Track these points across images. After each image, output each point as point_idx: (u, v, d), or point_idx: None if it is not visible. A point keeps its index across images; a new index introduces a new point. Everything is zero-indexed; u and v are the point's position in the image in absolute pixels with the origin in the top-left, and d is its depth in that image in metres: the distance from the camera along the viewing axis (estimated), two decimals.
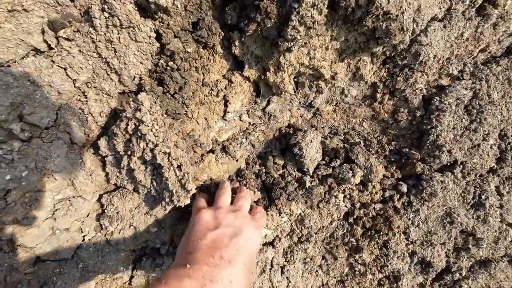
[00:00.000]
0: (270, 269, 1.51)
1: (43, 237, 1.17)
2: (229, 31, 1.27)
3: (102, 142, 1.17)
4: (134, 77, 1.17)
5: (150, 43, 1.12)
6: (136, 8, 1.08)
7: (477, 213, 1.63)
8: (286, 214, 1.51)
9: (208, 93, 1.36)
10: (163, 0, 1.05)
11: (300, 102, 1.62)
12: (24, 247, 1.15)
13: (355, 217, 1.57)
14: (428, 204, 1.56)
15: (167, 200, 1.13)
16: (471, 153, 1.58)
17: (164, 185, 1.13)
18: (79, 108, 1.16)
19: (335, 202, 1.53)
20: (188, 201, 1.12)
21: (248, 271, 0.96)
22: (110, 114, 1.22)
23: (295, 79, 1.51)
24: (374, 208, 1.57)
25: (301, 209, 1.52)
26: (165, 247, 1.33)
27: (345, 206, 1.56)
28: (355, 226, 1.58)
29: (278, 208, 1.49)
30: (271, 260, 1.51)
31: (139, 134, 1.06)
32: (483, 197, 1.61)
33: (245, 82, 1.45)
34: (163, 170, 1.09)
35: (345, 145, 1.59)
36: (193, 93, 1.29)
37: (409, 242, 1.63)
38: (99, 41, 1.08)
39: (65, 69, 1.09)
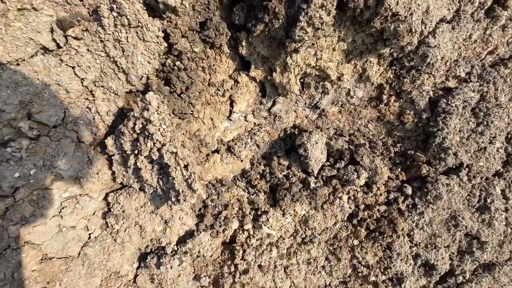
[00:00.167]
0: (274, 269, 1.52)
1: (50, 235, 1.18)
2: (236, 31, 1.27)
3: (109, 141, 1.17)
4: (142, 76, 1.17)
5: (158, 43, 1.13)
6: (145, 8, 1.08)
7: (482, 216, 1.63)
8: (290, 215, 1.51)
9: (214, 93, 1.36)
10: (172, 0, 1.05)
11: (305, 103, 1.61)
12: (31, 244, 1.16)
13: (359, 218, 1.57)
14: (432, 206, 1.55)
15: (173, 199, 1.13)
16: (477, 156, 1.57)
17: (170, 184, 1.13)
18: (86, 107, 1.16)
19: (339, 204, 1.53)
20: (194, 201, 1.12)
21: None
22: (117, 113, 1.23)
23: (301, 80, 1.51)
24: (378, 210, 1.57)
25: (305, 210, 1.52)
26: (171, 246, 1.34)
27: (349, 207, 1.56)
28: (359, 228, 1.57)
29: (282, 208, 1.49)
30: (275, 260, 1.51)
31: (147, 134, 1.06)
32: (488, 200, 1.60)
33: (251, 82, 1.44)
34: (170, 170, 1.09)
35: (350, 146, 1.58)
36: (199, 93, 1.29)
37: (413, 245, 1.62)
38: (107, 40, 1.08)
39: (73, 68, 1.10)
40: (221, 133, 1.48)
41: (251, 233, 1.46)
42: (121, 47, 1.09)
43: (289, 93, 1.47)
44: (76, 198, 1.20)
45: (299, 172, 1.59)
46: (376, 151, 1.62)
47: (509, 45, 1.61)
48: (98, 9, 1.04)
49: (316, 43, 1.26)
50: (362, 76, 1.52)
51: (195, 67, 1.25)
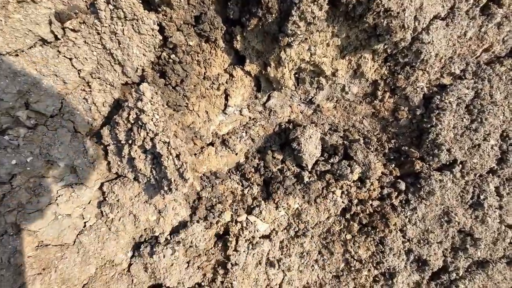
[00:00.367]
0: (266, 262, 1.54)
1: (46, 222, 1.21)
2: (231, 25, 1.29)
3: (105, 131, 1.20)
4: (137, 68, 1.20)
5: (153, 36, 1.15)
6: (140, 1, 1.11)
7: (476, 213, 1.63)
8: (284, 208, 1.53)
9: (209, 86, 1.38)
10: None
11: (300, 98, 1.63)
12: (27, 231, 1.19)
13: (352, 213, 1.58)
14: (425, 202, 1.56)
15: (165, 188, 1.16)
16: (471, 153, 1.58)
17: (163, 173, 1.16)
18: (83, 98, 1.19)
19: (332, 198, 1.54)
20: (186, 190, 1.14)
21: None
22: (113, 105, 1.25)
23: (296, 75, 1.53)
24: (371, 205, 1.58)
25: (298, 203, 1.54)
26: (164, 235, 1.37)
27: (343, 202, 1.57)
28: (352, 222, 1.59)
29: (275, 202, 1.51)
30: (267, 253, 1.53)
31: (140, 124, 1.09)
32: (481, 197, 1.61)
33: (246, 76, 1.46)
34: (162, 159, 1.12)
35: (345, 142, 1.60)
36: (194, 86, 1.31)
37: (406, 240, 1.63)
38: (104, 32, 1.11)
39: (70, 59, 1.12)
40: (216, 127, 1.51)
41: (244, 225, 1.48)
42: (117, 39, 1.12)
43: (283, 87, 1.49)
44: (72, 187, 1.23)
45: (293, 166, 1.61)
46: (370, 146, 1.63)
47: (505, 43, 1.61)
48: (95, 2, 1.07)
49: (310, 38, 1.28)
50: (356, 72, 1.53)
51: (190, 61, 1.27)
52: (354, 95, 1.64)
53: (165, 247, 1.32)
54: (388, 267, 1.63)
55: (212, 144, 1.50)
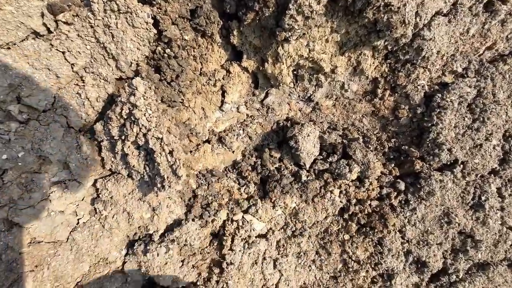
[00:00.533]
0: (263, 261, 1.51)
1: (38, 218, 1.19)
2: (228, 20, 1.26)
3: (98, 127, 1.18)
4: (131, 63, 1.17)
5: (147, 29, 1.13)
6: None
7: (476, 214, 1.60)
8: (280, 207, 1.51)
9: (206, 82, 1.36)
10: None
11: (299, 96, 1.60)
12: (19, 227, 1.17)
13: (350, 213, 1.56)
14: (425, 203, 1.53)
15: (158, 185, 1.14)
16: (472, 152, 1.54)
17: (156, 170, 1.14)
18: (76, 93, 1.17)
19: (330, 197, 1.52)
20: (179, 187, 1.12)
21: None
22: (107, 100, 1.23)
23: (295, 72, 1.50)
24: (370, 205, 1.55)
25: (295, 202, 1.52)
26: (158, 233, 1.35)
27: (341, 201, 1.55)
28: (350, 222, 1.56)
29: (272, 200, 1.49)
30: (264, 252, 1.51)
31: (133, 119, 1.07)
32: (483, 198, 1.58)
33: (244, 73, 1.44)
34: (155, 155, 1.10)
35: (344, 140, 1.57)
36: (190, 81, 1.29)
37: (405, 241, 1.60)
38: (97, 26, 1.09)
39: (63, 53, 1.10)
40: (212, 124, 1.48)
41: (240, 224, 1.45)
42: (111, 32, 1.10)
43: (281, 84, 1.47)
44: (65, 183, 1.21)
45: (291, 165, 1.58)
46: (370, 145, 1.60)
47: (509, 41, 1.57)
48: None
49: (308, 33, 1.25)
50: (356, 69, 1.50)
51: (186, 56, 1.25)
52: (353, 93, 1.61)
53: (159, 245, 1.29)
54: (386, 268, 1.60)
55: (208, 141, 1.48)
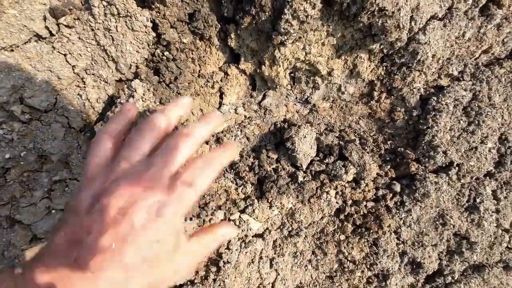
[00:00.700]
0: (259, 261, 1.54)
1: (39, 216, 1.22)
2: (226, 23, 1.29)
3: (98, 127, 1.21)
4: (131, 65, 1.20)
5: (146, 33, 1.16)
6: None
7: (472, 216, 1.61)
8: (277, 208, 1.53)
9: (204, 84, 1.38)
10: None
11: (296, 98, 1.63)
12: (21, 224, 1.21)
13: (346, 214, 1.58)
14: (420, 204, 1.55)
15: None
16: (468, 155, 1.56)
17: None
18: (77, 94, 1.20)
19: (326, 198, 1.54)
20: None
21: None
22: (107, 101, 1.26)
23: (292, 74, 1.52)
24: (365, 206, 1.57)
25: (292, 203, 1.54)
26: None
27: (337, 202, 1.57)
28: (345, 223, 1.58)
29: (269, 201, 1.51)
30: (260, 252, 1.53)
31: None
32: (478, 200, 1.59)
33: (241, 75, 1.47)
34: None
35: (340, 142, 1.59)
36: (188, 83, 1.32)
37: (400, 242, 1.62)
38: (98, 29, 1.12)
39: (65, 55, 1.14)
40: None
41: (237, 223, 1.48)
42: (111, 35, 1.13)
43: (278, 86, 1.49)
44: (65, 182, 1.25)
45: (288, 166, 1.60)
46: (366, 147, 1.62)
47: (505, 45, 1.59)
48: None
49: (304, 36, 1.27)
50: (353, 72, 1.52)
51: (185, 58, 1.28)
52: (350, 95, 1.63)
53: None
54: (381, 269, 1.62)
55: (206, 142, 1.50)
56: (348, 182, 1.58)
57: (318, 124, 1.69)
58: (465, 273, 1.75)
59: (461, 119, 1.54)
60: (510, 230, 1.71)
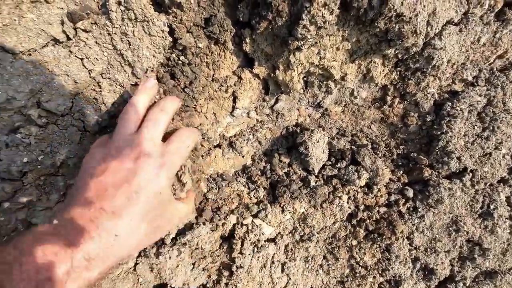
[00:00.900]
0: (271, 265, 1.53)
1: (55, 220, 1.22)
2: (241, 28, 1.28)
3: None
4: (147, 69, 1.20)
5: (163, 37, 1.16)
6: (151, 3, 1.12)
7: (485, 223, 1.60)
8: (289, 212, 1.53)
9: (218, 88, 1.38)
10: None
11: (308, 102, 1.62)
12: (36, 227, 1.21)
13: (358, 219, 1.57)
14: (434, 210, 1.53)
15: None
16: (481, 161, 1.55)
17: None
18: (93, 98, 1.20)
19: (338, 203, 1.53)
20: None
21: (147, 223, 0.78)
22: (122, 105, 1.26)
23: (305, 78, 1.52)
24: (378, 211, 1.56)
25: (304, 208, 1.53)
26: (170, 237, 1.37)
27: (349, 207, 1.56)
28: (358, 228, 1.57)
29: (281, 205, 1.51)
30: (272, 256, 1.53)
31: None
32: (492, 206, 1.58)
33: (255, 79, 1.46)
34: None
35: (352, 146, 1.58)
36: (203, 87, 1.32)
37: (412, 248, 1.61)
38: (115, 33, 1.12)
39: (81, 59, 1.14)
40: (223, 129, 1.51)
41: (250, 228, 1.47)
42: (128, 40, 1.13)
43: (292, 91, 1.49)
44: None
45: (300, 170, 1.60)
46: (378, 152, 1.61)
47: None
48: (107, 3, 1.08)
49: (320, 42, 1.27)
50: (366, 77, 1.52)
51: (199, 63, 1.27)
52: (363, 99, 1.62)
53: (171, 249, 1.32)
54: (393, 275, 1.61)
55: (219, 146, 1.50)
56: (360, 187, 1.57)
57: (330, 128, 1.68)
58: (477, 279, 1.74)
59: (476, 125, 1.53)
60: None
